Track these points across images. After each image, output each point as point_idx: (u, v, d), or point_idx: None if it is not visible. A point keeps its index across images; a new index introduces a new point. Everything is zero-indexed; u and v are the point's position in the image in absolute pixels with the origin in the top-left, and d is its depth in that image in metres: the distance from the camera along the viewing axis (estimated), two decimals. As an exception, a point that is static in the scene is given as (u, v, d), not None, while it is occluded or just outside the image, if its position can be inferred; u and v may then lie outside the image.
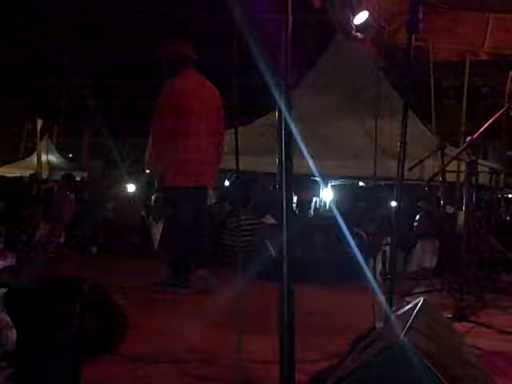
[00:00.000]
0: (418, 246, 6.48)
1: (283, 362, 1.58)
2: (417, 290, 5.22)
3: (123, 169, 9.69)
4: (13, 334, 2.49)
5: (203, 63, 5.56)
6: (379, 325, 2.96)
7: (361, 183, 10.86)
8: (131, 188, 9.08)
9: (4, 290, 2.43)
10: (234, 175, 8.90)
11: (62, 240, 7.14)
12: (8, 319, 2.50)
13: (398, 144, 3.27)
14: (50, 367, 2.64)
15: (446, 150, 5.87)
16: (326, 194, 9.94)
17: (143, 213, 7.83)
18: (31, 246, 6.06)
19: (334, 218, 6.38)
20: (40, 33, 6.81)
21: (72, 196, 8.31)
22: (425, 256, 6.42)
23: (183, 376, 2.88)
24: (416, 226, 6.98)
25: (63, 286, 2.85)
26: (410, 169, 5.14)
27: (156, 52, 5.58)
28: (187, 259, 5.18)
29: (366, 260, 5.36)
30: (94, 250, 7.56)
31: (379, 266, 5.96)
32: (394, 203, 3.95)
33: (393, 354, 1.76)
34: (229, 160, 8.38)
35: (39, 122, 19.00)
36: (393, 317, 2.66)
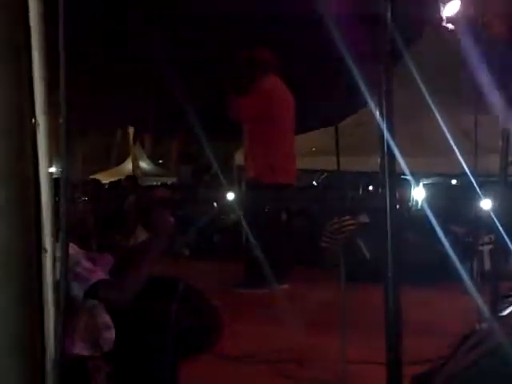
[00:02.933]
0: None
1: (391, 363, 1.52)
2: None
3: (216, 173, 9.77)
4: (111, 335, 2.53)
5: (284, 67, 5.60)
6: (482, 327, 2.83)
7: (454, 181, 10.53)
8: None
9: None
10: (325, 174, 8.84)
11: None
12: (107, 319, 2.54)
13: (500, 136, 3.11)
14: (148, 367, 2.67)
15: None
16: (418, 193, 9.69)
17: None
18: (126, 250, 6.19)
19: (427, 217, 6.18)
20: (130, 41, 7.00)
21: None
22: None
23: (283, 378, 2.86)
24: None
25: (159, 287, 2.88)
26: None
27: (235, 59, 5.66)
28: (273, 259, 5.16)
29: (462, 260, 5.17)
30: (187, 252, 7.68)
31: (476, 266, 5.74)
32: (489, 202, 3.77)
33: (504, 354, 1.68)
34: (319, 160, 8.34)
35: (131, 130, 19.62)
36: (498, 318, 2.53)
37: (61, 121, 1.38)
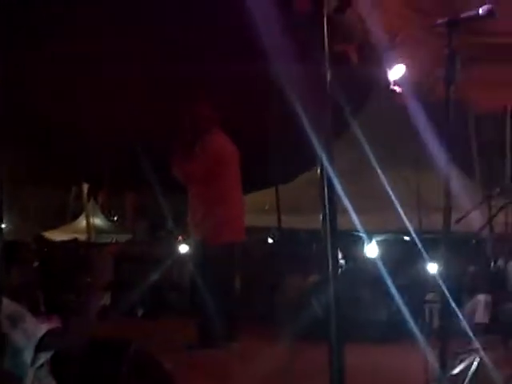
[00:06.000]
0: (469, 301, 6.28)
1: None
2: (470, 348, 5.03)
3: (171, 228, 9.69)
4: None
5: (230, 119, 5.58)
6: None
7: (406, 237, 10.67)
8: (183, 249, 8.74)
9: (49, 354, 2.42)
10: (277, 233, 8.86)
11: (108, 302, 7.15)
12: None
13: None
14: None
15: (493, 202, 5.75)
16: (371, 250, 9.77)
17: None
18: (75, 309, 6.09)
19: (380, 274, 6.25)
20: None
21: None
22: (477, 312, 6.21)
23: None
24: (467, 281, 6.79)
25: (109, 350, 2.83)
26: (458, 221, 5.02)
27: (178, 115, 5.60)
28: (221, 320, 5.13)
29: (413, 317, 5.21)
30: (140, 311, 7.54)
31: (425, 323, 5.81)
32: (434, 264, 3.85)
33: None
34: (268, 219, 8.38)
35: (85, 186, 19.42)
36: (446, 378, 2.55)
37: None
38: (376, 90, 8.72)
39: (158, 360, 3.03)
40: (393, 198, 5.34)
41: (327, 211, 1.69)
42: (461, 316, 6.30)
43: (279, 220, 4.23)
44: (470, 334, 3.58)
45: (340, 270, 8.55)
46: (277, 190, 5.36)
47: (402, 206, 7.50)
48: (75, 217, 20.91)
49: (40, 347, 2.34)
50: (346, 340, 1.78)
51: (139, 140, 6.96)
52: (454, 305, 3.02)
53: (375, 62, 6.16)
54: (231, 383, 3.90)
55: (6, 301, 2.37)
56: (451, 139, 3.41)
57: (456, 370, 2.45)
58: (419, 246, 4.26)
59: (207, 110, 5.49)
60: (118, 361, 2.65)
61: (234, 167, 5.55)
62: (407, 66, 6.17)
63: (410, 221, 6.36)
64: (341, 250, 7.69)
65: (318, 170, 1.75)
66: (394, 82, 6.12)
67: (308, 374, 3.25)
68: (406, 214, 7.28)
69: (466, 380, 1.93)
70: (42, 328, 2.38)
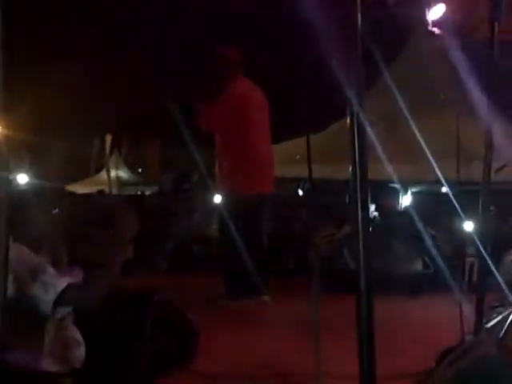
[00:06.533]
0: (509, 254, 6.25)
1: (364, 379, 1.53)
2: (507, 301, 5.01)
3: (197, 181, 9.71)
4: (81, 351, 2.52)
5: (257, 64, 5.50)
6: (469, 338, 2.85)
7: (444, 188, 10.58)
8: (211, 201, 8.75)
9: (69, 309, 2.46)
10: (307, 184, 8.85)
11: (130, 255, 7.24)
12: (77, 336, 2.53)
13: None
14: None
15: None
16: (407, 201, 9.73)
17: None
18: (97, 262, 6.17)
19: (414, 226, 6.21)
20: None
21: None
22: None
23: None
24: (507, 233, 6.74)
25: (132, 302, 2.87)
26: (497, 170, 4.96)
27: (202, 60, 5.53)
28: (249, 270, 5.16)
29: (452, 271, 5.20)
30: (164, 265, 7.61)
31: (466, 276, 5.79)
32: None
33: (485, 368, 1.70)
34: (299, 168, 8.35)
35: (108, 138, 19.52)
36: (484, 330, 2.55)
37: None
38: (415, 32, 8.53)
39: (182, 310, 3.08)
40: (424, 147, 5.24)
41: (357, 160, 1.67)
42: (496, 272, 6.28)
43: (310, 170, 4.19)
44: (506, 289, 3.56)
45: (372, 221, 8.55)
46: (308, 140, 5.29)
47: (440, 155, 7.42)
48: (99, 170, 21.10)
49: (60, 301, 2.38)
50: (376, 292, 1.78)
51: (162, 87, 6.91)
52: (490, 261, 2.99)
53: (413, 2, 6.01)
54: (259, 333, 3.95)
55: (26, 251, 2.42)
56: (495, 84, 3.32)
57: (492, 323, 2.44)
58: (454, 201, 4.20)
59: (233, 54, 5.41)
60: (142, 312, 2.70)
61: (263, 115, 5.49)
62: (447, 6, 6.01)
63: (448, 171, 6.28)
64: (374, 201, 7.65)
65: (348, 118, 1.72)
66: (433, 22, 5.98)
67: (338, 326, 3.28)
68: (444, 163, 7.20)
69: (502, 332, 1.93)
70: (63, 281, 2.42)
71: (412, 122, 5.56)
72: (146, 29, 6.21)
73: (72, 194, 10.63)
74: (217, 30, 5.92)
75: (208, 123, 5.38)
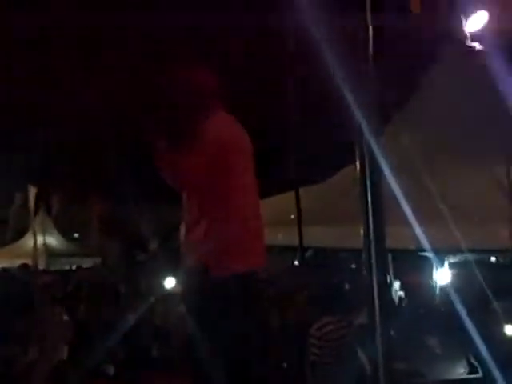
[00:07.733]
0: None
1: None
2: None
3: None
4: None
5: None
6: None
7: (492, 258, 10.66)
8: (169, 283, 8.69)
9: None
10: (310, 252, 8.91)
11: (64, 357, 7.18)
12: None
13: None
14: None
15: None
16: (442, 276, 9.77)
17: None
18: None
19: (456, 313, 6.25)
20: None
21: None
22: None
23: None
24: None
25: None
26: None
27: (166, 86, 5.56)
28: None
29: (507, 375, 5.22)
30: (111, 370, 7.55)
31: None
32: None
33: None
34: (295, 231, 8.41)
35: (32, 191, 19.52)
36: None
37: None
38: (448, 48, 8.71)
39: None
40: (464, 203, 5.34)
41: (370, 222, 1.68)
42: None
43: (301, 238, 4.23)
44: None
45: (397, 304, 8.51)
46: (297, 193, 5.31)
47: (486, 215, 7.49)
48: (21, 235, 21.00)
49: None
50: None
51: (108, 124, 6.99)
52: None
53: (445, 8, 6.17)
54: None
55: None
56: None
57: None
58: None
59: (207, 79, 5.44)
60: None
61: (248, 164, 5.48)
62: (491, 14, 6.15)
63: (498, 235, 6.37)
64: (398, 277, 7.72)
65: (358, 164, 1.73)
66: (473, 35, 6.11)
67: None
68: (493, 225, 7.25)
69: None
70: None
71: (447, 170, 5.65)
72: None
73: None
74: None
75: (175, 175, 5.36)
